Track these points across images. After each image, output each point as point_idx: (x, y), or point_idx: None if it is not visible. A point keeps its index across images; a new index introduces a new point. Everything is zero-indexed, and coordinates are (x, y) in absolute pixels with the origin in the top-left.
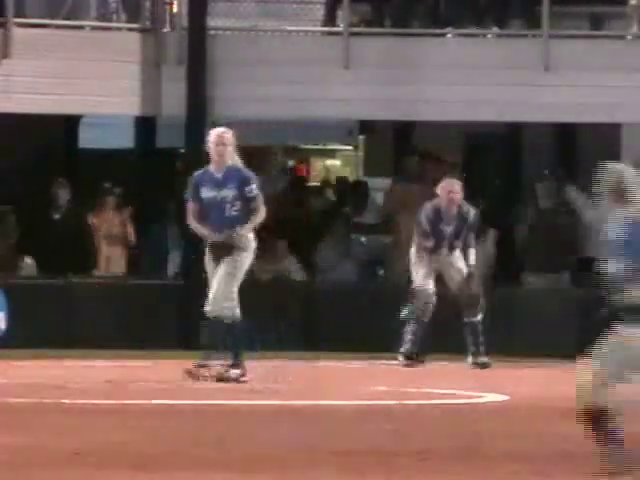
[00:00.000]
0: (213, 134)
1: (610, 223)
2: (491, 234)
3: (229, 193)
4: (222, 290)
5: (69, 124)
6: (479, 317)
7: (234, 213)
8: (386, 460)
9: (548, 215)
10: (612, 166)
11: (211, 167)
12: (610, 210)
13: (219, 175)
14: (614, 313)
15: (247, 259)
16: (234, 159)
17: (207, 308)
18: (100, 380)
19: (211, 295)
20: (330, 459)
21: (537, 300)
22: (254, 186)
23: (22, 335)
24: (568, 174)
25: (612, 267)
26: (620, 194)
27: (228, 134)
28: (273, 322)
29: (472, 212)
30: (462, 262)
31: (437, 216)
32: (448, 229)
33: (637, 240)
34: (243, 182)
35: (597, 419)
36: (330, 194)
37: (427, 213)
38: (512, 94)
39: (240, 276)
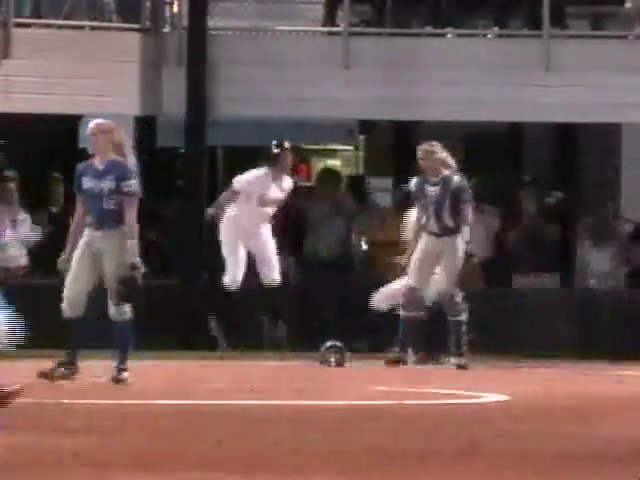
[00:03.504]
0: (89, 124)
1: None
2: (492, 211)
3: (106, 185)
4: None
5: (69, 124)
6: (462, 317)
7: (112, 206)
8: (386, 460)
9: (538, 217)
10: None
11: (95, 158)
12: None
13: (100, 166)
14: None
15: (120, 259)
16: (123, 152)
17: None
18: (100, 380)
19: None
20: (330, 459)
21: (537, 300)
22: (133, 182)
23: (22, 335)
24: (569, 174)
25: None
26: None
27: (103, 125)
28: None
29: (455, 177)
30: (455, 256)
31: (422, 180)
32: (432, 191)
33: None
34: (121, 176)
35: None
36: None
37: (414, 180)
38: (512, 94)
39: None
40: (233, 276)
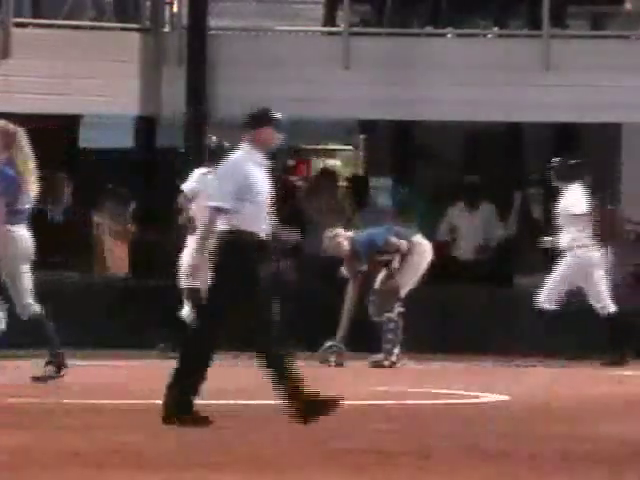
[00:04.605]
0: None
1: None
2: (491, 211)
3: None
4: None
5: (69, 124)
6: (393, 314)
7: None
8: (386, 460)
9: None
10: None
11: None
12: None
13: None
14: None
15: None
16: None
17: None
18: (100, 380)
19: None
20: (330, 459)
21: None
22: None
23: (22, 335)
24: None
25: None
26: None
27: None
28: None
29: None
30: None
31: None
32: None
33: None
34: None
35: None
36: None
37: None
38: (512, 94)
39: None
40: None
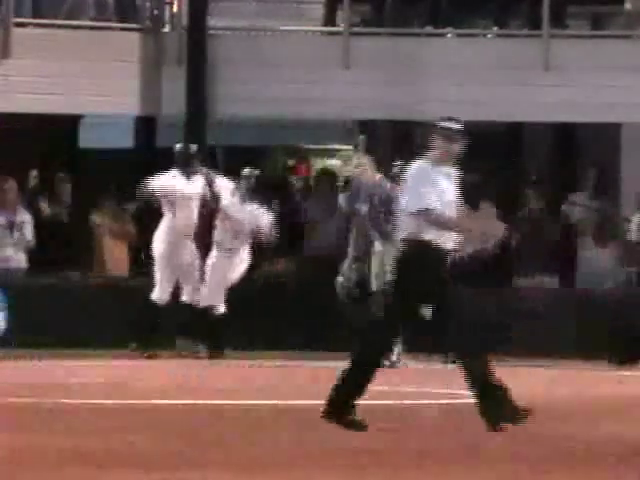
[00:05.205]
0: None
1: None
2: (491, 210)
3: None
4: None
5: (69, 124)
6: None
7: None
8: (386, 460)
9: (538, 218)
10: None
11: None
12: None
13: None
14: None
15: None
16: None
17: None
18: (100, 380)
19: None
20: (330, 459)
21: (535, 300)
22: None
23: (22, 335)
24: (568, 175)
25: None
26: None
27: None
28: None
29: (384, 187)
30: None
31: (352, 196)
32: (363, 207)
33: None
34: None
35: None
36: None
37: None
38: (512, 94)
39: None
40: (161, 292)
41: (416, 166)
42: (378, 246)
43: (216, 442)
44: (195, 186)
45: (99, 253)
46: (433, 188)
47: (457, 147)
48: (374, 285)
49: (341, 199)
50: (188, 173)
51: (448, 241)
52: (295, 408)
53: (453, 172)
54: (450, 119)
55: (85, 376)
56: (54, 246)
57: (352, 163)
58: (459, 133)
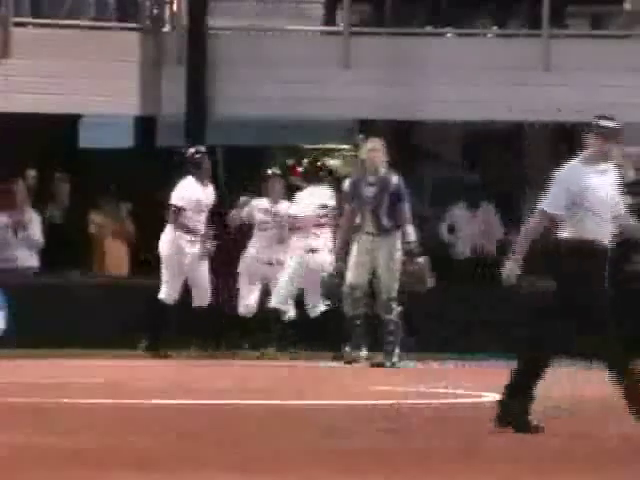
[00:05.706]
0: None
1: None
2: (491, 210)
3: None
4: None
5: (68, 124)
6: (393, 315)
7: None
8: (386, 460)
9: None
10: None
11: None
12: None
13: None
14: None
15: None
16: None
17: None
18: (100, 380)
19: None
20: (330, 459)
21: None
22: None
23: (22, 335)
24: None
25: None
26: None
27: None
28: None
29: (394, 178)
30: (395, 258)
31: (359, 180)
32: (368, 192)
33: None
34: None
35: None
36: None
37: (351, 179)
38: (512, 94)
39: None
40: (169, 291)
41: (567, 166)
42: (367, 238)
43: (216, 442)
44: (208, 193)
45: (99, 253)
46: (568, 188)
47: (613, 146)
48: (351, 276)
49: (346, 185)
50: (202, 179)
51: (603, 239)
52: (295, 408)
53: (611, 169)
54: (606, 118)
55: (85, 376)
56: (54, 246)
57: (365, 147)
58: (616, 131)
